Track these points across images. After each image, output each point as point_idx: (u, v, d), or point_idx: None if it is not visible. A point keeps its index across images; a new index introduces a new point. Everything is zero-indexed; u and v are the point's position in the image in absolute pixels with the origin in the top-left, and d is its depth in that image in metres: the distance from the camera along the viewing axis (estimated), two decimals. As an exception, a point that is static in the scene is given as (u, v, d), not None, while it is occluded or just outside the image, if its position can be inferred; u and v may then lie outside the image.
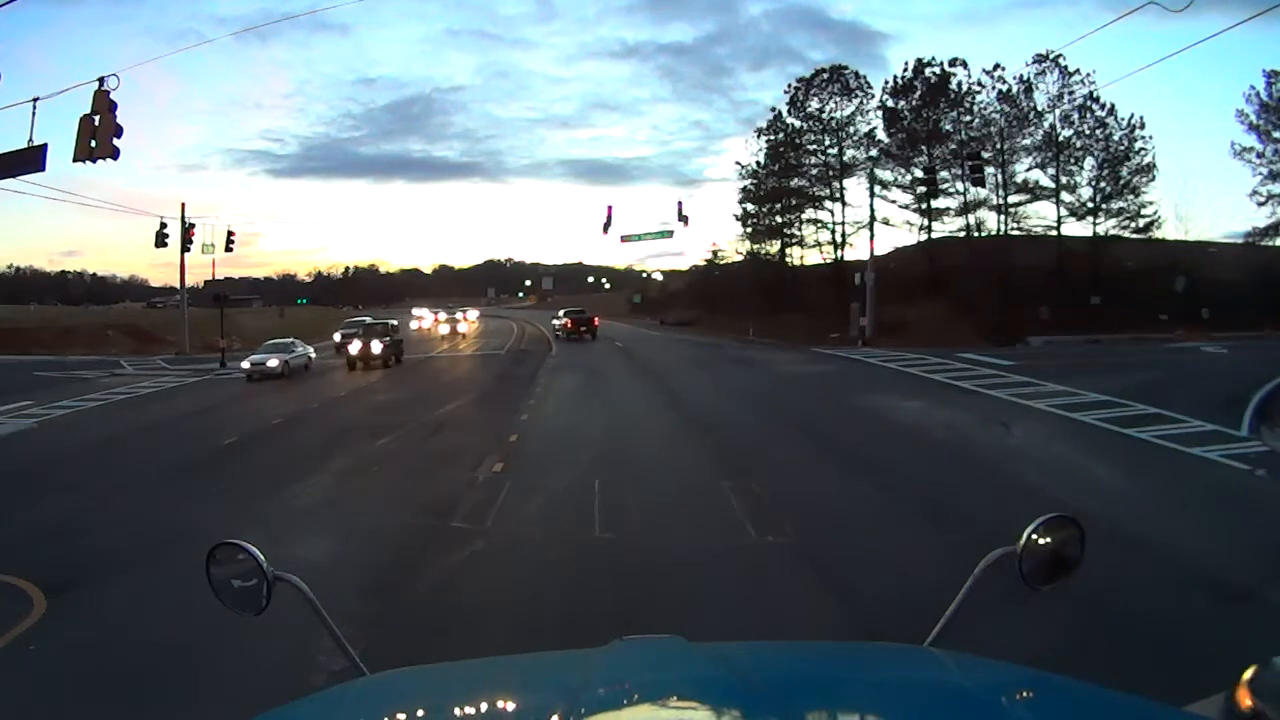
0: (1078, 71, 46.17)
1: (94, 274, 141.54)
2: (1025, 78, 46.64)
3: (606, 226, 33.16)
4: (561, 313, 52.11)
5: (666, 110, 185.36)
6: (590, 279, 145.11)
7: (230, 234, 33.73)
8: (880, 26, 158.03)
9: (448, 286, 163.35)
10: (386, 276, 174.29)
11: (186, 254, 32.17)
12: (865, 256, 49.34)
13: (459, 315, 60.14)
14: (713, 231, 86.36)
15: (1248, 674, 1.65)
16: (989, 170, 47.32)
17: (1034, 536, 2.05)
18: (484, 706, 1.73)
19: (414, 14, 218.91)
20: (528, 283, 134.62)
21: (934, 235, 49.58)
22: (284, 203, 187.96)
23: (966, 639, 1.94)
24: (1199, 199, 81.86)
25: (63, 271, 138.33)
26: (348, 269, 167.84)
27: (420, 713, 1.71)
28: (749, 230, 53.86)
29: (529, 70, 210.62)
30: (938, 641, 2.01)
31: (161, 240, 31.24)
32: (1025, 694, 1.64)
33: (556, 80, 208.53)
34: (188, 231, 31.52)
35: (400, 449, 14.56)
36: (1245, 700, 1.65)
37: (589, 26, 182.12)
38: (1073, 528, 2.11)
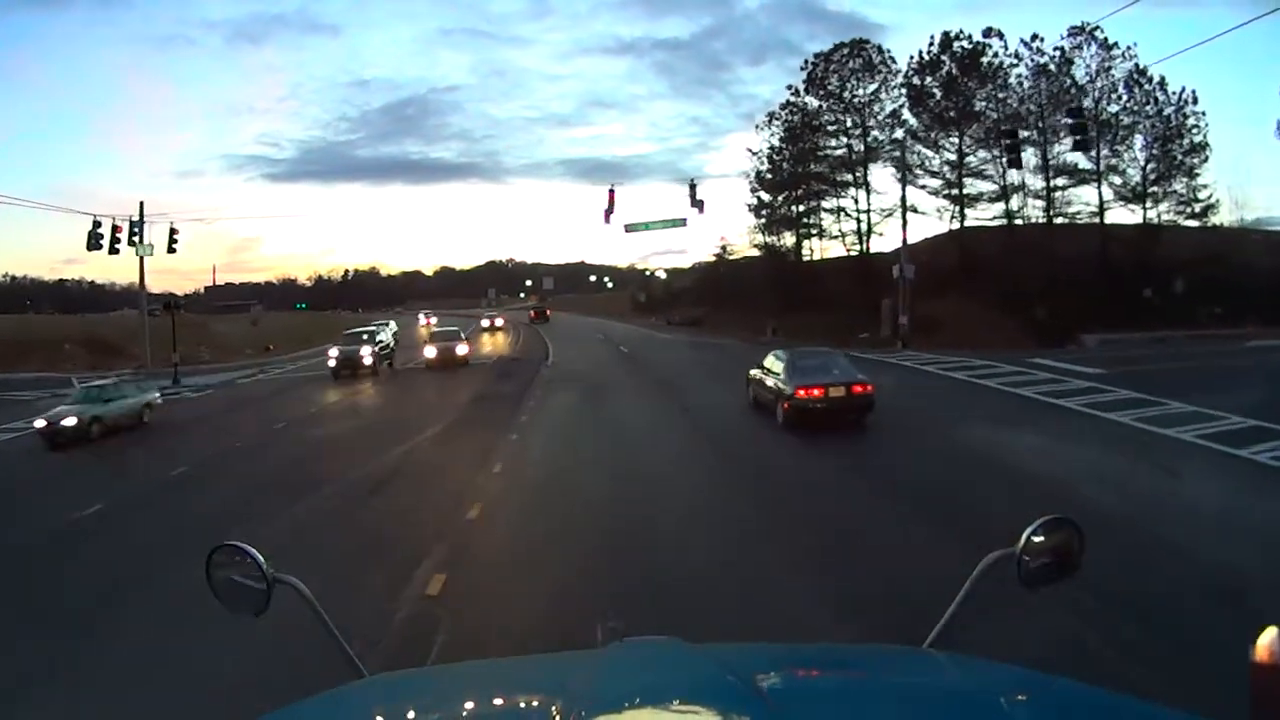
0: (1115, 45, 41.24)
1: (92, 281, 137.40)
2: (1063, 50, 41.64)
3: (608, 214, 27.98)
4: (531, 310, 73.25)
5: (664, 107, 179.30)
6: (592, 278, 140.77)
7: (173, 231, 28.62)
8: (879, 18, 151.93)
9: (449, 288, 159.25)
10: (388, 279, 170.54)
11: (115, 255, 27.15)
12: (890, 248, 44.71)
13: (459, 331, 36.53)
14: (714, 228, 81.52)
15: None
16: (1026, 153, 42.38)
17: (1033, 538, 1.98)
18: (483, 708, 1.70)
19: (405, 13, 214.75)
20: (528, 283, 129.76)
21: (967, 224, 44.27)
22: (283, 207, 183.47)
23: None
24: (1251, 181, 74.85)
25: (61, 280, 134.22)
26: (347, 272, 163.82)
27: (419, 714, 1.67)
28: (763, 221, 48.43)
29: (524, 68, 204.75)
30: (937, 643, 1.97)
31: (95, 242, 26.28)
32: (1025, 696, 1.60)
33: (553, 78, 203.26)
34: (114, 231, 26.43)
35: (292, 543, 8.99)
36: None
37: (583, 22, 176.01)
38: (1071, 529, 2.04)
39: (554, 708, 1.42)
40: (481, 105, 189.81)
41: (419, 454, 13.99)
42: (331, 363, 29.15)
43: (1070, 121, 22.58)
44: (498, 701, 1.72)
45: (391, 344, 34.38)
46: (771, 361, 16.52)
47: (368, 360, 29.21)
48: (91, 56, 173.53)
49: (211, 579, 2.04)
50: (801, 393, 14.72)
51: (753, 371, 17.55)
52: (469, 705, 1.71)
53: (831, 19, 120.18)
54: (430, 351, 31.34)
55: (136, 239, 27.79)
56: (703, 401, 19.39)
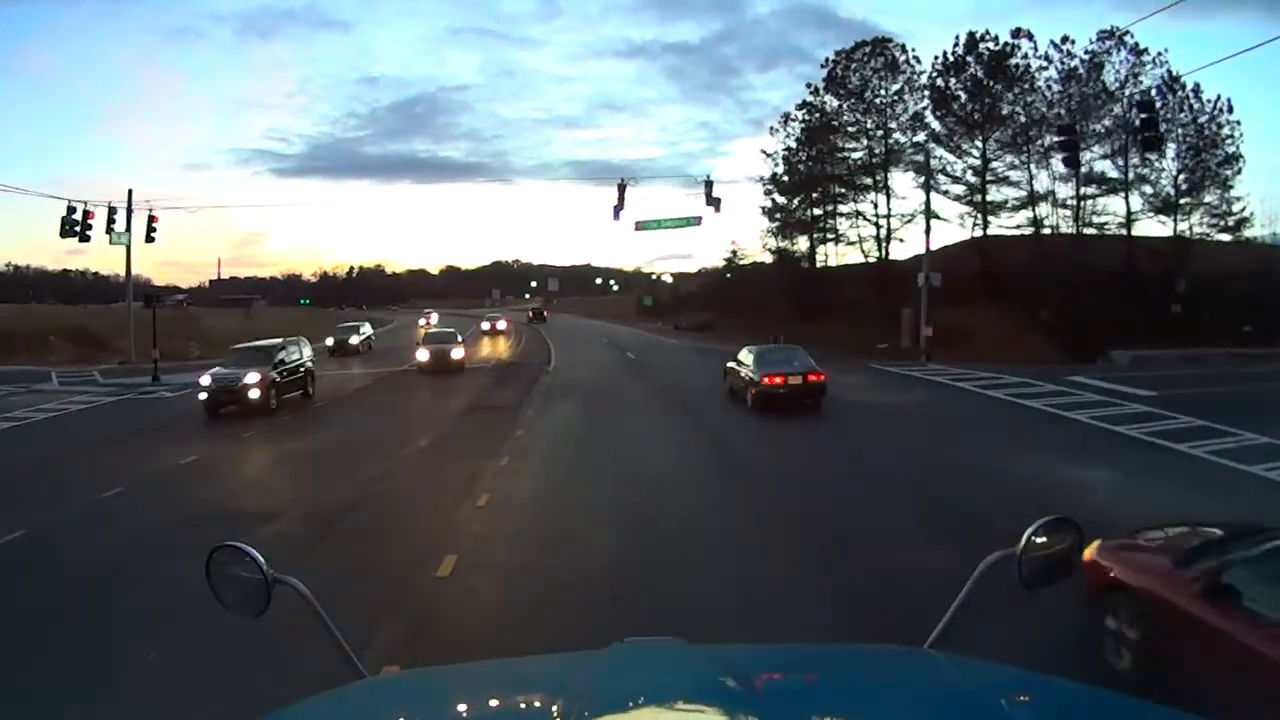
0: (1146, 51, 39.37)
1: (95, 272, 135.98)
2: (1093, 53, 39.73)
3: (618, 210, 25.99)
4: (529, 310, 73.48)
5: (673, 111, 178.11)
6: (598, 280, 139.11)
7: (151, 219, 26.75)
8: (891, 26, 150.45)
9: (455, 287, 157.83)
10: (393, 277, 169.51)
11: (86, 243, 25.32)
12: (907, 255, 42.76)
13: (456, 334, 31.10)
14: (721, 232, 79.67)
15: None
16: (1053, 159, 40.49)
17: (1033, 538, 1.96)
18: (484, 709, 1.69)
19: (415, 11, 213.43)
20: (533, 284, 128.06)
21: (990, 231, 42.27)
22: (290, 202, 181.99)
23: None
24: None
25: (65, 270, 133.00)
26: (352, 269, 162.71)
27: (420, 715, 1.67)
28: (777, 224, 46.31)
29: (534, 69, 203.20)
30: (937, 644, 1.94)
31: (69, 229, 24.45)
32: (1025, 695, 1.60)
33: (562, 80, 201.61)
34: (86, 217, 24.51)
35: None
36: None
37: (594, 25, 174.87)
38: (1072, 529, 2.03)
39: (555, 708, 1.39)
40: (490, 105, 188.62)
41: (389, 482, 11.79)
42: (202, 394, 19.42)
43: (1144, 116, 20.31)
44: (499, 702, 1.70)
45: (308, 363, 22.70)
46: (744, 355, 19.14)
47: (254, 393, 19.23)
48: (100, 49, 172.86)
49: (211, 579, 2.01)
50: (766, 380, 17.39)
51: (729, 364, 20.10)
52: (470, 706, 1.69)
53: (843, 26, 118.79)
54: (423, 354, 27.99)
55: (114, 227, 25.85)
56: (717, 414, 17.54)
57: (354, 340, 40.09)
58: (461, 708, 1.67)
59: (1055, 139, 28.04)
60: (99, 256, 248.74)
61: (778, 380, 17.27)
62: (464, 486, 10.81)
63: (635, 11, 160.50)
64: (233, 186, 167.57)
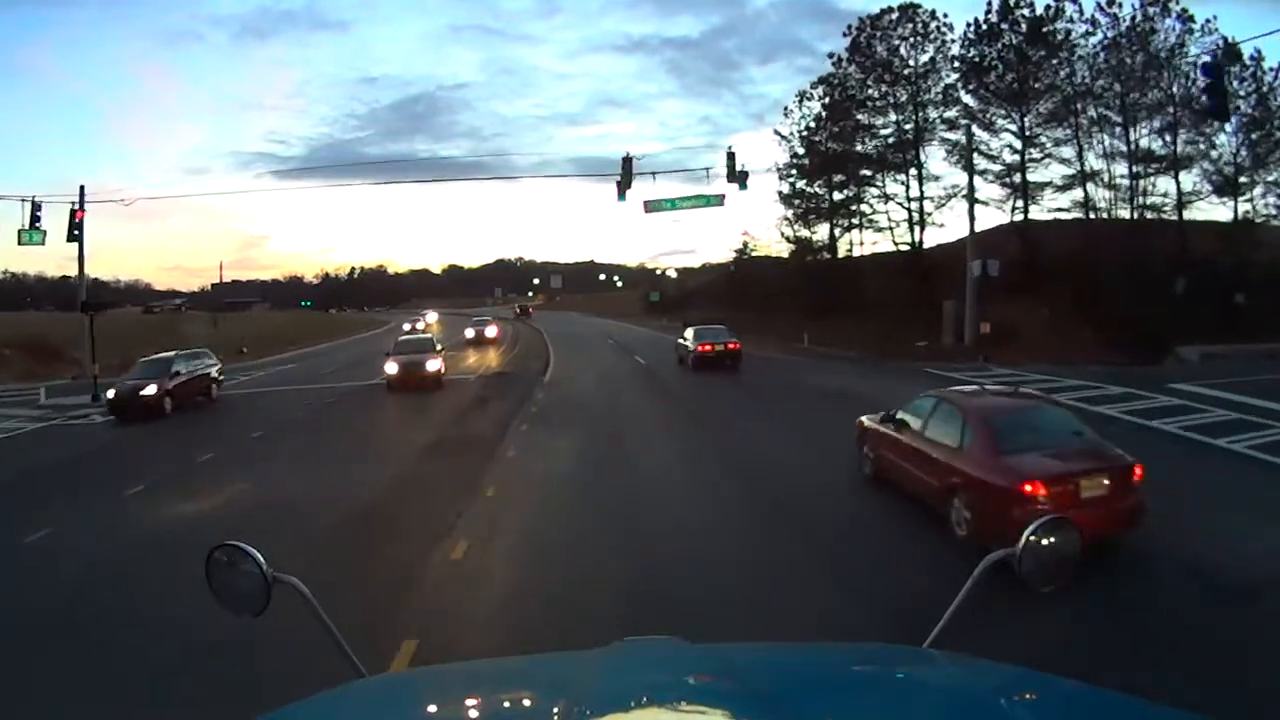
0: (1192, 19, 35.03)
1: (94, 278, 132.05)
2: (1141, 19, 35.35)
3: (622, 188, 21.70)
4: (516, 307, 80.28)
5: (674, 106, 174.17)
6: (601, 277, 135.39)
7: (74, 214, 22.48)
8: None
9: (458, 286, 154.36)
10: (395, 277, 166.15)
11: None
12: (938, 243, 38.43)
13: (433, 340, 27.72)
14: (726, 226, 75.71)
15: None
16: (1102, 137, 36.19)
17: (1033, 537, 1.89)
18: (484, 708, 1.64)
19: (414, 10, 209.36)
20: (536, 281, 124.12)
21: (1030, 215, 37.84)
22: (290, 204, 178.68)
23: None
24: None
25: (64, 276, 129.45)
26: (353, 270, 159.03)
27: (419, 714, 1.63)
28: (798, 210, 41.68)
29: (534, 66, 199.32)
30: (937, 642, 1.90)
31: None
32: (1025, 695, 1.56)
33: (562, 76, 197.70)
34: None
35: None
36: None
37: (593, 20, 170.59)
38: (1071, 529, 1.96)
39: (555, 708, 1.37)
40: (491, 103, 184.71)
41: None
42: None
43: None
44: (497, 701, 1.66)
45: None
46: (687, 333, 25.79)
47: None
48: (100, 52, 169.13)
49: (210, 579, 1.95)
50: (699, 349, 24.41)
51: (678, 340, 26.86)
52: (469, 705, 1.65)
53: (844, 18, 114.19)
54: (391, 367, 22.75)
55: (38, 225, 21.68)
56: (763, 451, 13.18)
57: (149, 391, 20.75)
58: (461, 707, 1.63)
59: (1200, 81, 22.86)
60: (102, 261, 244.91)
61: (708, 349, 24.33)
62: (381, 619, 6.37)
63: (634, 6, 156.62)
64: (234, 189, 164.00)
